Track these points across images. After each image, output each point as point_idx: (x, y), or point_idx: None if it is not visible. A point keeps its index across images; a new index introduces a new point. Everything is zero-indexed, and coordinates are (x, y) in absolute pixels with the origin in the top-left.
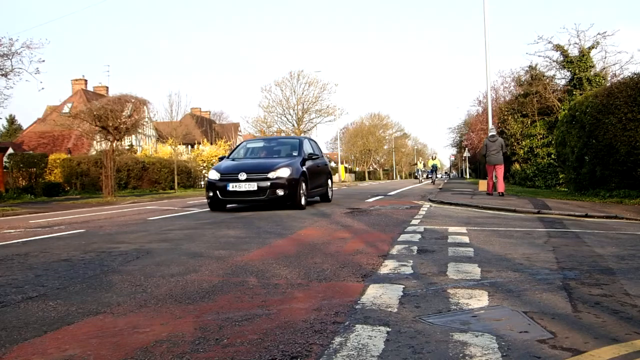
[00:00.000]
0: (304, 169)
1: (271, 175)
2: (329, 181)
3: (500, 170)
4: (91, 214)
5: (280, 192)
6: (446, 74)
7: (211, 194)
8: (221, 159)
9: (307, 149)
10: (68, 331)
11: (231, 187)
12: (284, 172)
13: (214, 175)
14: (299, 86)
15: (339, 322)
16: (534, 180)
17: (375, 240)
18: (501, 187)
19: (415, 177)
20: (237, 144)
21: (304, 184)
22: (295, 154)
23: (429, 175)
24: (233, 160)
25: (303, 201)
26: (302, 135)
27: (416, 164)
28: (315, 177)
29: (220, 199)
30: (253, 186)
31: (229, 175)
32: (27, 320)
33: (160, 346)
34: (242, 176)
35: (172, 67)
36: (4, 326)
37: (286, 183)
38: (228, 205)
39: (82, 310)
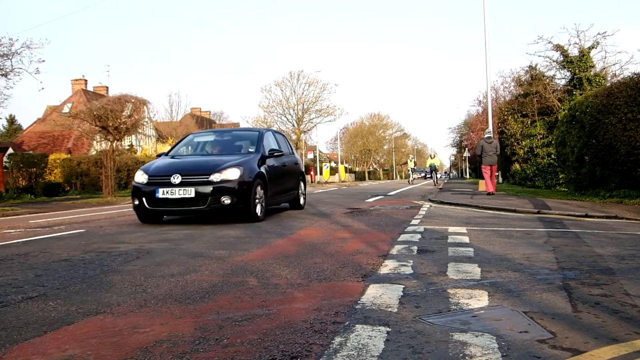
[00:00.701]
0: (263, 169)
1: (215, 177)
2: (301, 184)
3: (494, 171)
4: (91, 214)
5: (226, 200)
6: (446, 74)
7: (137, 202)
8: (159, 156)
9: (270, 144)
10: (68, 331)
11: (161, 193)
12: (232, 174)
13: (140, 177)
14: (299, 86)
15: (339, 322)
16: (534, 180)
17: (375, 240)
18: (493, 186)
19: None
20: (182, 137)
21: (260, 189)
22: (251, 150)
23: (428, 176)
24: (173, 157)
25: (259, 211)
26: (302, 134)
27: (406, 162)
28: (279, 179)
29: (148, 208)
30: (190, 192)
31: (158, 177)
32: (27, 320)
33: (160, 346)
34: (176, 179)
35: (172, 67)
36: (4, 326)
37: (235, 188)
38: (166, 217)
39: (82, 310)
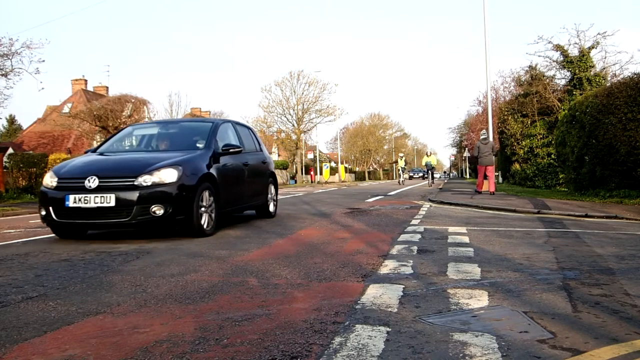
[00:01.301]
0: (214, 169)
1: (143, 180)
2: (271, 187)
3: (491, 171)
4: None
5: (158, 211)
6: (446, 74)
7: (43, 212)
8: (87, 152)
9: (227, 138)
10: (68, 331)
11: (72, 201)
12: (167, 175)
13: (48, 180)
14: (299, 86)
15: (339, 322)
16: (534, 180)
17: (375, 240)
18: (492, 186)
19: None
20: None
21: (209, 195)
22: (200, 145)
23: (425, 176)
24: (101, 154)
25: (206, 223)
26: (302, 134)
27: (396, 161)
28: (239, 181)
29: (56, 221)
30: (109, 199)
31: (71, 180)
32: (27, 320)
33: (160, 346)
34: (92, 182)
35: (172, 67)
36: (4, 326)
37: (172, 194)
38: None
39: (82, 310)
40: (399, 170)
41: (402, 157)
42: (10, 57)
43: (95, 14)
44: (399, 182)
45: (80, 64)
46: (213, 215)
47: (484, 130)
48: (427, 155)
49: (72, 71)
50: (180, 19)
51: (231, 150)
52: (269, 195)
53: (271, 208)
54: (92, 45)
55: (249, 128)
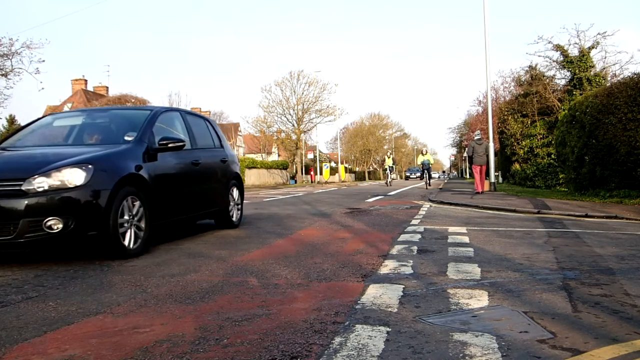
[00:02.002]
0: (145, 169)
1: (36, 183)
2: (234, 191)
3: (483, 171)
4: None
5: (56, 225)
6: (446, 74)
7: None
8: None
9: (170, 130)
10: (68, 331)
11: None
12: (71, 177)
13: None
14: (299, 86)
15: (339, 322)
16: (534, 180)
17: (375, 240)
18: (484, 186)
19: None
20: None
21: (136, 203)
22: (129, 138)
23: (419, 176)
24: (3, 150)
25: (130, 239)
26: (302, 134)
27: (384, 159)
28: (185, 185)
29: None
30: None
31: None
32: (27, 320)
33: (160, 346)
34: None
35: (172, 67)
36: (4, 326)
37: (77, 202)
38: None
39: (82, 310)
40: (385, 169)
41: (389, 155)
42: (10, 57)
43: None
44: (386, 182)
45: (80, 64)
46: (142, 228)
47: (478, 131)
48: (423, 154)
49: (72, 71)
50: (180, 19)
51: (170, 145)
52: (233, 202)
53: (234, 216)
54: (92, 45)
55: (206, 119)
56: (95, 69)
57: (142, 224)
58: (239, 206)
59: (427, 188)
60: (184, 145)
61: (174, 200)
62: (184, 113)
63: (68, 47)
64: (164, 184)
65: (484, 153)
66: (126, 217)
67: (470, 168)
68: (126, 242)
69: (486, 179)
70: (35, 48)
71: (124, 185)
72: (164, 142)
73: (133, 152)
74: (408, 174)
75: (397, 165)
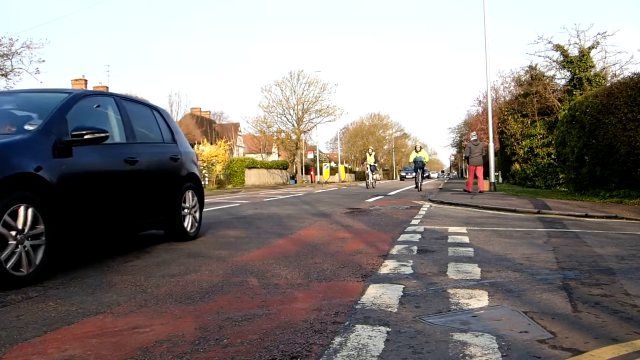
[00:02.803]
0: (48, 169)
1: None
2: (189, 196)
3: (480, 171)
4: None
5: None
6: (446, 74)
7: None
8: None
9: (96, 120)
10: (68, 331)
11: None
12: None
13: None
14: (299, 86)
15: (339, 322)
16: (534, 180)
17: (375, 240)
18: (482, 185)
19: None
20: None
21: (24, 213)
22: (30, 127)
23: (410, 175)
24: None
25: (23, 264)
26: (302, 134)
27: (365, 157)
28: (116, 188)
29: None
30: None
31: None
32: (27, 320)
33: (160, 346)
34: None
35: (172, 67)
36: (4, 326)
37: None
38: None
39: (82, 310)
40: (366, 169)
41: (371, 152)
42: (10, 57)
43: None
44: (366, 184)
45: (80, 64)
46: (41, 249)
47: (474, 132)
48: (417, 150)
49: (72, 71)
50: (180, 19)
51: (87, 137)
52: (185, 208)
53: (189, 226)
54: (92, 45)
55: (153, 109)
56: (95, 69)
57: (44, 243)
58: (197, 214)
59: (419, 190)
60: (106, 137)
61: (95, 208)
62: (119, 99)
63: (68, 47)
64: (80, 188)
65: (480, 154)
66: (15, 235)
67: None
68: (20, 268)
69: (486, 179)
70: (35, 48)
71: (8, 191)
72: (79, 132)
73: (32, 146)
74: (404, 174)
75: (379, 163)
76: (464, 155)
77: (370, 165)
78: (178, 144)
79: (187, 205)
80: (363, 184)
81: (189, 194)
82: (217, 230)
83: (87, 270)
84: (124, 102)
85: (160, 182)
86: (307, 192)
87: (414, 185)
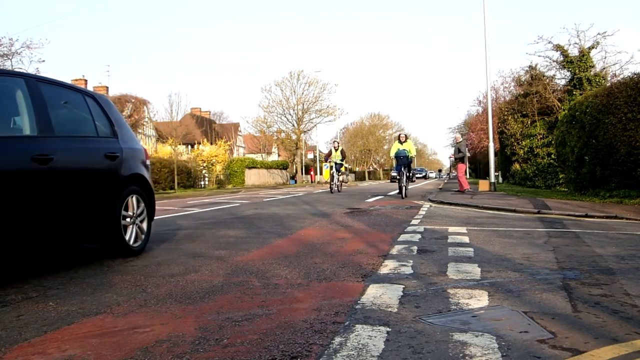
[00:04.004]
0: None
1: None
2: (131, 202)
3: (459, 170)
4: None
5: None
6: (446, 73)
7: None
8: None
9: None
10: (68, 331)
11: None
12: None
13: None
14: (299, 86)
15: (339, 322)
16: (534, 180)
17: (375, 240)
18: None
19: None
20: None
21: None
22: None
23: (410, 176)
24: None
25: None
26: (302, 134)
27: (329, 153)
28: (17, 195)
29: None
30: None
31: None
32: (27, 320)
33: (160, 346)
34: None
35: (172, 67)
36: (4, 326)
37: None
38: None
39: (82, 310)
40: (331, 167)
41: (337, 146)
42: (10, 57)
43: (95, 14)
44: (330, 188)
45: (80, 64)
46: None
47: (458, 134)
48: (400, 141)
49: (72, 71)
50: (180, 19)
51: None
52: (128, 217)
53: (130, 238)
54: (92, 45)
55: (86, 94)
56: (95, 69)
57: None
58: (144, 223)
59: (403, 197)
60: (31, 137)
61: None
62: (34, 81)
63: (68, 47)
64: None
65: (465, 153)
66: None
67: (470, 168)
68: None
69: (486, 178)
70: (35, 48)
71: None
72: None
73: None
74: (394, 174)
75: (347, 160)
76: (454, 154)
77: (336, 163)
78: (119, 139)
79: (130, 213)
80: (364, 184)
81: (133, 200)
82: (217, 230)
83: (87, 270)
84: (40, 85)
85: (88, 186)
86: (307, 192)
87: (397, 191)
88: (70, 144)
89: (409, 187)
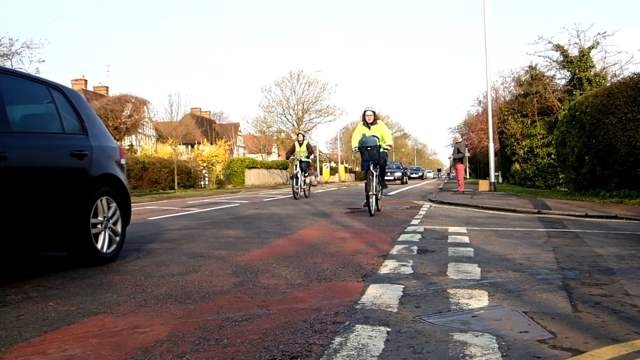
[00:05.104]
0: None
1: None
2: (101, 204)
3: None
4: None
5: None
6: (446, 74)
7: None
8: None
9: None
10: (68, 331)
11: None
12: None
13: None
14: (299, 86)
15: (339, 322)
16: (534, 180)
17: (375, 240)
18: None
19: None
20: None
21: None
22: None
23: (400, 177)
24: None
25: None
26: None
27: (293, 149)
28: None
29: None
30: None
31: None
32: (27, 320)
33: (161, 346)
34: None
35: (172, 67)
36: (4, 326)
37: None
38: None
39: (82, 310)
40: (294, 165)
41: (302, 139)
42: (10, 57)
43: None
44: (293, 192)
45: (80, 64)
46: None
47: (458, 134)
48: (367, 124)
49: (72, 71)
50: (180, 19)
51: None
52: (99, 223)
53: (102, 244)
54: (92, 45)
55: (52, 87)
56: (95, 69)
57: None
58: (118, 226)
59: (371, 215)
60: None
61: None
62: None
63: (68, 47)
64: None
65: (464, 154)
66: None
67: (470, 168)
68: None
69: (486, 179)
70: (35, 48)
71: None
72: None
73: None
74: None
75: (314, 156)
76: (453, 155)
77: (300, 161)
78: (89, 136)
79: (101, 217)
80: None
81: (104, 202)
82: (217, 230)
83: (87, 270)
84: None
85: (51, 186)
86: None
87: (364, 202)
88: (29, 140)
89: (381, 190)
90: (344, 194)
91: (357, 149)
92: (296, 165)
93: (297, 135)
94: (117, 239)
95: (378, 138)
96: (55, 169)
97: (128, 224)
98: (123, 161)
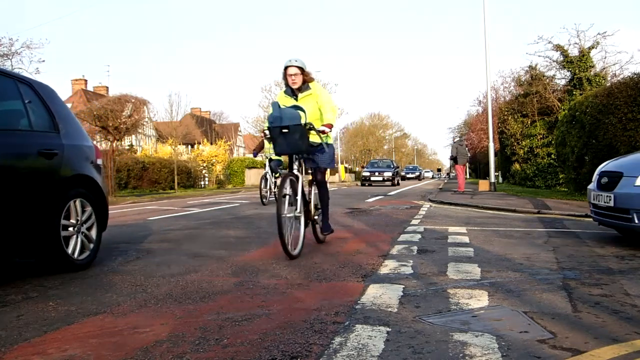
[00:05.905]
0: None
1: None
2: (74, 207)
3: (461, 170)
4: None
5: None
6: (446, 74)
7: None
8: None
9: None
10: (68, 331)
11: None
12: None
13: None
14: None
15: (339, 322)
16: (534, 180)
17: (375, 240)
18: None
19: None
20: None
21: None
22: None
23: (368, 176)
24: None
25: None
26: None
27: (261, 146)
28: None
29: None
30: None
31: None
32: (27, 320)
33: (161, 346)
34: None
35: (172, 67)
36: (4, 326)
37: None
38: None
39: (82, 310)
40: (265, 165)
41: (269, 134)
42: (10, 57)
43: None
44: (260, 196)
45: (80, 64)
46: None
47: (458, 134)
48: (292, 94)
49: (72, 71)
50: (180, 19)
51: None
52: (71, 226)
53: (74, 249)
54: (92, 45)
55: (20, 81)
56: (95, 69)
57: None
58: (92, 231)
59: (292, 259)
60: None
61: None
62: None
63: (68, 47)
64: None
65: (466, 154)
66: None
67: (470, 168)
68: None
69: (486, 179)
70: (35, 48)
71: None
72: None
73: None
74: (366, 174)
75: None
76: (452, 155)
77: (270, 160)
78: (61, 134)
79: (73, 221)
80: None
81: (77, 205)
82: (217, 230)
83: (87, 270)
84: None
85: (13, 188)
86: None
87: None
88: None
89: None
90: (344, 194)
91: (267, 127)
92: (265, 165)
93: (263, 133)
94: (91, 245)
95: (306, 113)
96: (19, 168)
97: (104, 229)
98: (99, 161)
